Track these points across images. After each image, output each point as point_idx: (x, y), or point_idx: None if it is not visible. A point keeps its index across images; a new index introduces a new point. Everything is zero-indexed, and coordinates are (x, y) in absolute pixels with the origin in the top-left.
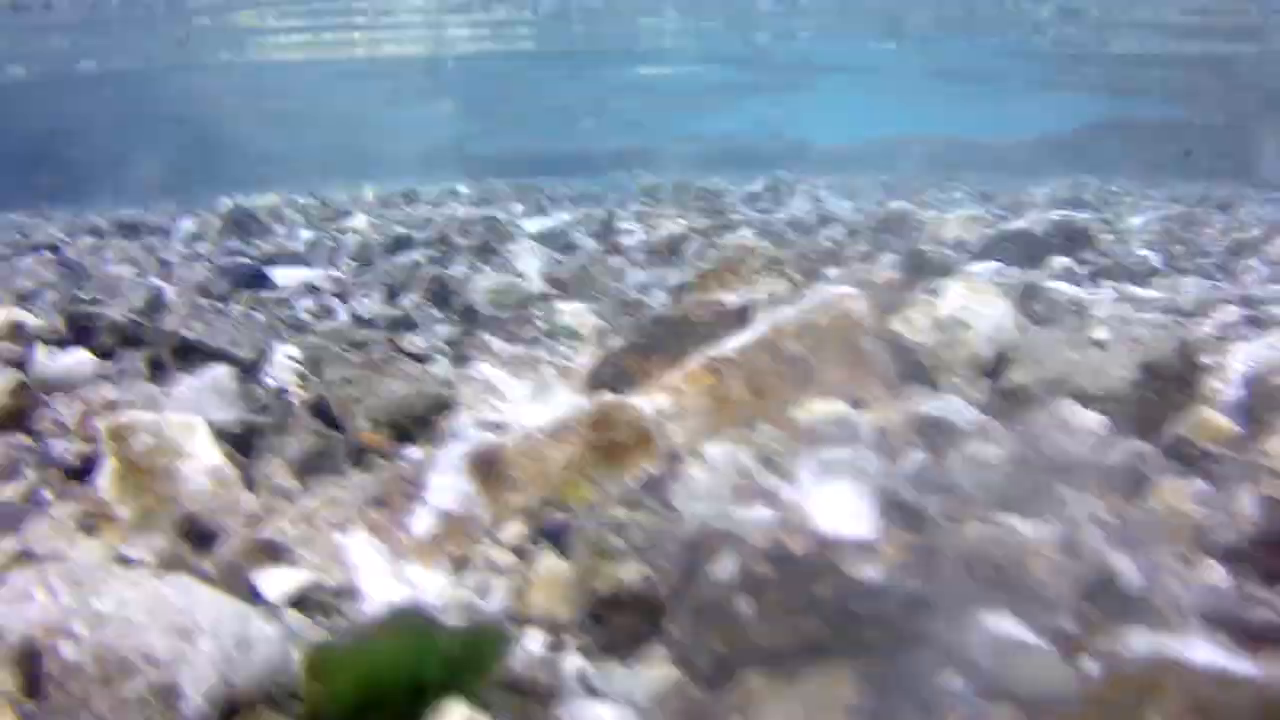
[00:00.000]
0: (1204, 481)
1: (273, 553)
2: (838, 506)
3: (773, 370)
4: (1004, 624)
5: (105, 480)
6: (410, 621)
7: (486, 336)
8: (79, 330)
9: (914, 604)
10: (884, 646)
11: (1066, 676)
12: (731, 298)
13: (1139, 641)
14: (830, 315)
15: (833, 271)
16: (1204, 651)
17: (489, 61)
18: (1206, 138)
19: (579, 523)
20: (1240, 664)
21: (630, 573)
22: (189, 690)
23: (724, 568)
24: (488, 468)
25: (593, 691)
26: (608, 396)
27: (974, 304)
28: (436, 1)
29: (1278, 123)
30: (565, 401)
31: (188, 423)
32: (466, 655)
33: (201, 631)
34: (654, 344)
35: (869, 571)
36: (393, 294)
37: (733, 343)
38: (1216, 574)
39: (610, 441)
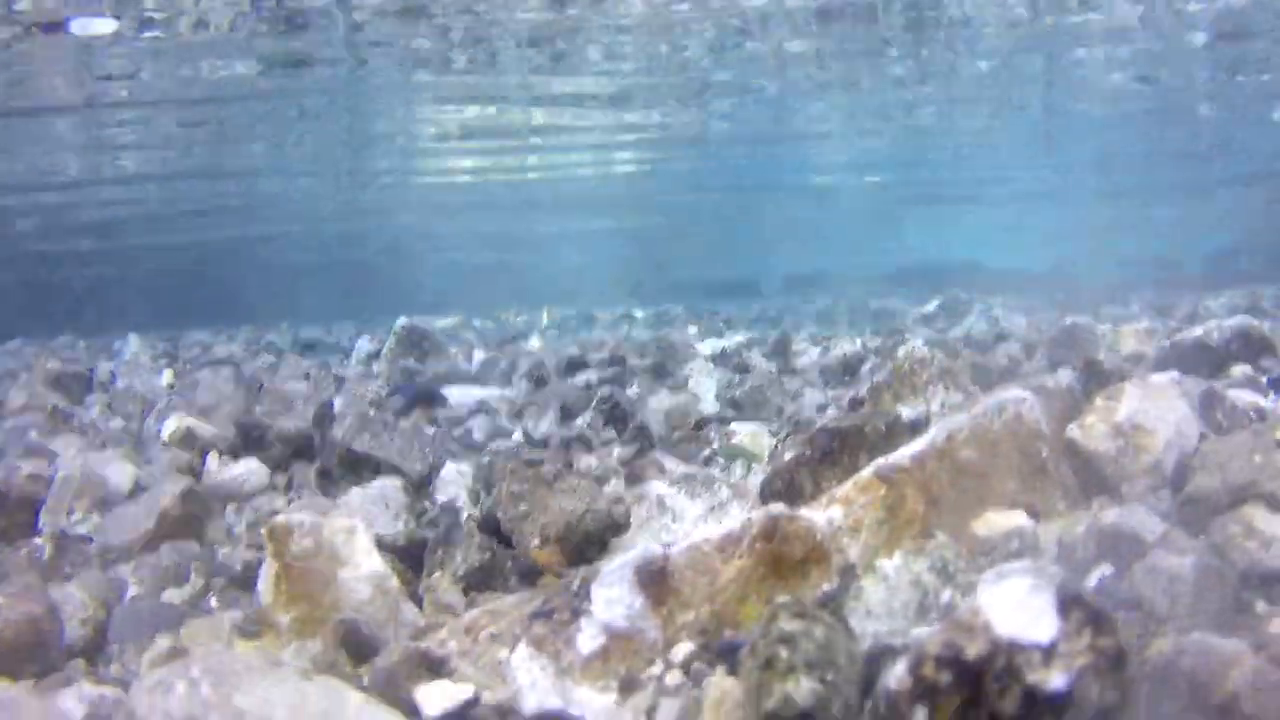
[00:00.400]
0: None
1: (432, 665)
2: (1015, 607)
3: (948, 480)
4: None
5: (265, 584)
6: None
7: (660, 456)
8: (250, 441)
9: (1106, 717)
10: None
11: None
12: (905, 409)
13: None
14: (1003, 421)
15: (1030, 380)
16: None
17: (659, 187)
18: None
19: (748, 638)
20: None
21: (801, 689)
22: None
23: (896, 676)
24: (655, 581)
25: None
26: (776, 507)
27: (1152, 408)
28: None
29: None
30: (735, 516)
31: (348, 526)
32: None
33: None
34: (826, 456)
35: (1055, 679)
36: (566, 414)
37: (905, 451)
38: None
39: (780, 554)
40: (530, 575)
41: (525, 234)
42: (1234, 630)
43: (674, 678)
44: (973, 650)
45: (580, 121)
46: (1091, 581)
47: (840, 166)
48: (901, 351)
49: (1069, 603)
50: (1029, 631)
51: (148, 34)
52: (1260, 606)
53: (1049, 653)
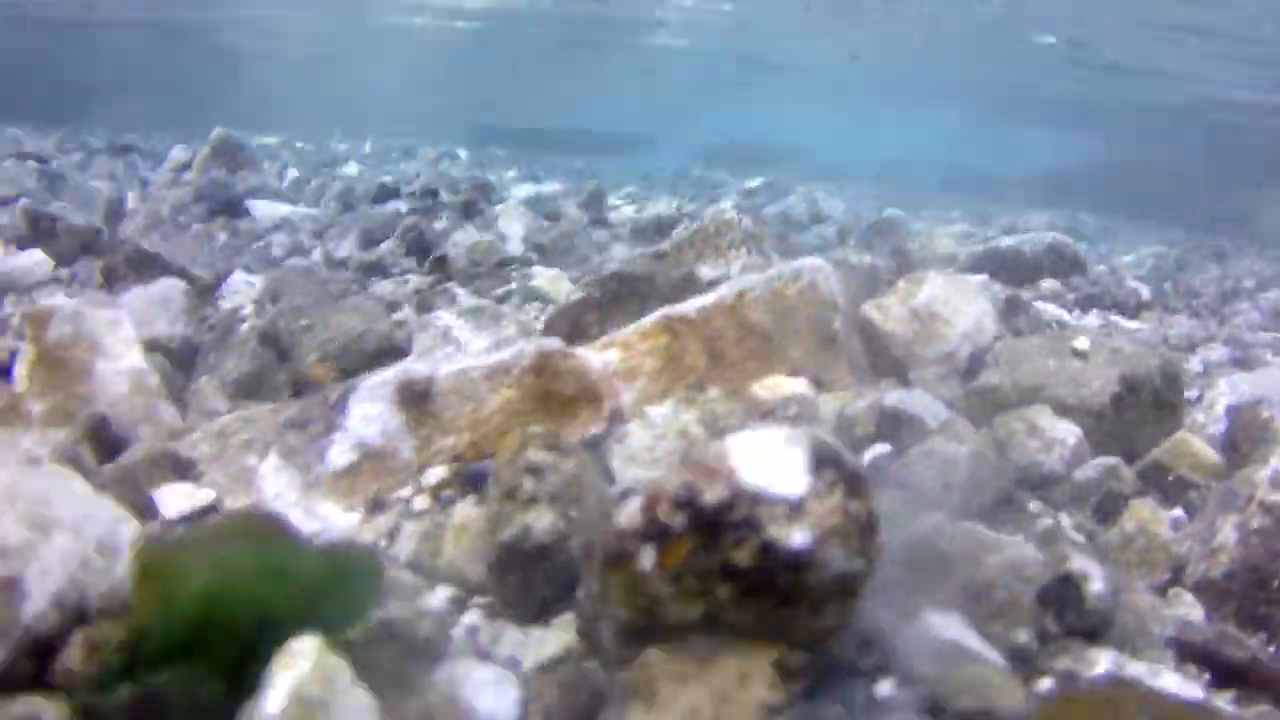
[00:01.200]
0: (1181, 509)
1: (179, 467)
2: (765, 457)
3: (734, 338)
4: (952, 628)
5: (20, 370)
6: (268, 530)
7: (455, 289)
8: (39, 232)
9: (846, 585)
10: (809, 634)
11: (1017, 693)
12: (704, 267)
13: (1105, 663)
14: (798, 288)
15: (833, 253)
16: (1172, 682)
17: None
18: (1209, 188)
19: (497, 465)
20: (1211, 699)
21: (540, 522)
22: (33, 588)
23: (627, 512)
24: (416, 402)
25: (481, 654)
26: (550, 342)
27: (953, 298)
28: None
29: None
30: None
31: (112, 318)
32: (332, 586)
33: (61, 527)
34: (614, 301)
35: (796, 536)
36: (369, 239)
37: (693, 303)
38: (1189, 607)
39: (550, 390)
40: (305, 390)
41: (361, 62)
42: (1002, 524)
43: (422, 501)
44: (712, 495)
45: None
46: (868, 457)
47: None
48: (708, 213)
49: (823, 461)
50: (775, 484)
51: None
52: (1033, 505)
53: (795, 508)
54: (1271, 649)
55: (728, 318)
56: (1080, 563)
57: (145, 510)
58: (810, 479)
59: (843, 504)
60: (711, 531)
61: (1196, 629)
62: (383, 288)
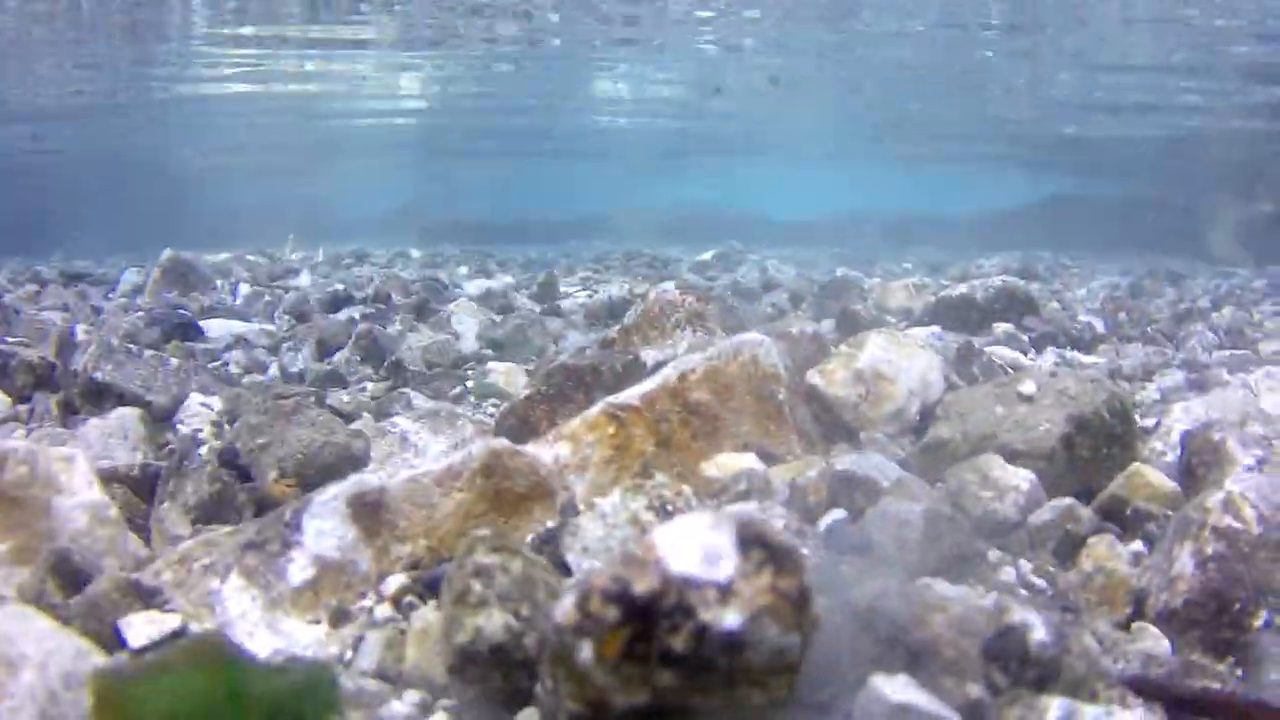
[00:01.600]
0: (1141, 542)
1: (144, 595)
2: (692, 543)
3: (680, 420)
4: (902, 690)
5: None
6: (221, 654)
7: (411, 393)
8: None
9: (784, 660)
10: (756, 710)
11: None
12: (651, 351)
13: (1055, 710)
14: (739, 363)
15: (774, 326)
16: None
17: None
18: (1162, 214)
19: (448, 571)
20: None
21: (492, 623)
22: None
23: (563, 609)
24: (369, 513)
25: None
26: (499, 442)
27: (895, 356)
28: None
29: (1229, 201)
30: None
31: (67, 455)
32: (288, 704)
33: (28, 664)
34: (561, 394)
35: (729, 618)
36: (324, 349)
37: (636, 390)
38: (1154, 640)
39: (502, 489)
40: (267, 508)
41: (309, 170)
42: (963, 577)
43: (384, 610)
44: (642, 585)
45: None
46: (823, 525)
47: (626, 112)
48: (651, 295)
49: (749, 541)
50: (704, 569)
51: None
52: (993, 554)
53: (725, 591)
54: (1239, 673)
55: (671, 400)
56: (1021, 614)
57: (112, 641)
58: (738, 560)
59: (772, 582)
60: (645, 620)
61: (1159, 662)
62: (340, 398)
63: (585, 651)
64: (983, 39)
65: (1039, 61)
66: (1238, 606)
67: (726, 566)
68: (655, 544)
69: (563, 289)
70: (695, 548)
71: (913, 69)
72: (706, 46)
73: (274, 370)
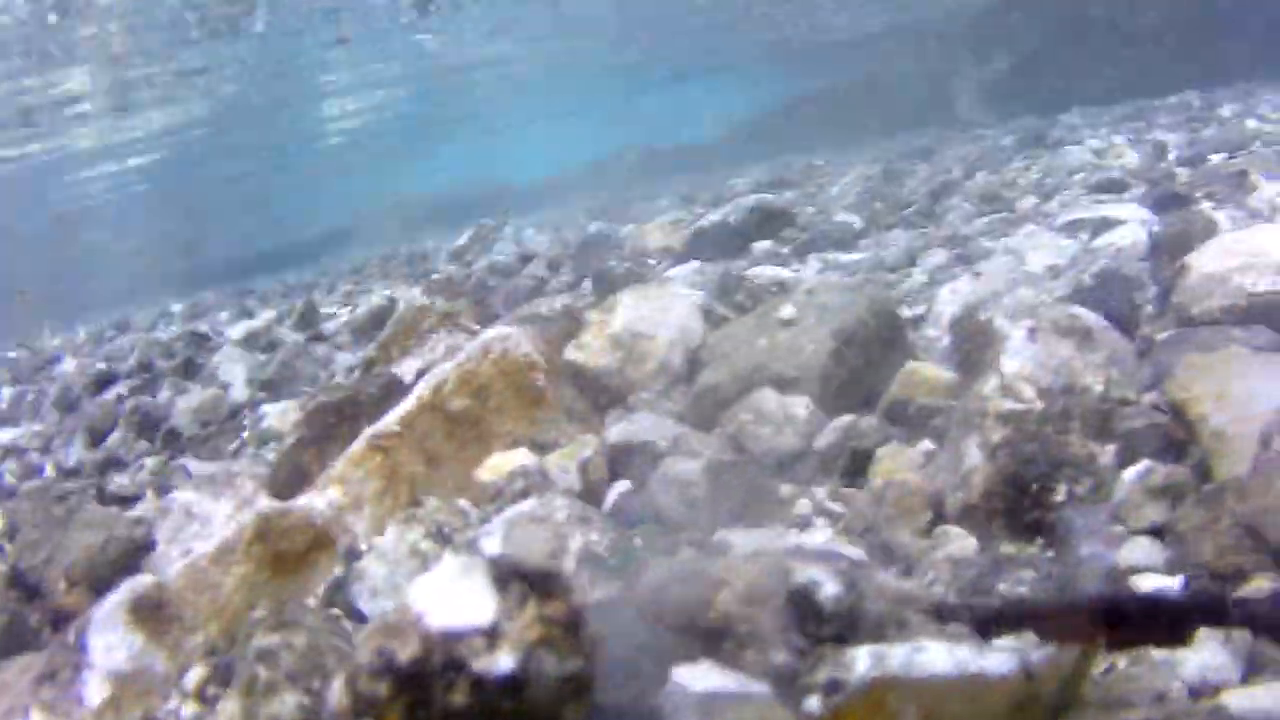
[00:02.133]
0: (929, 441)
1: None
2: (446, 594)
3: (444, 433)
4: (705, 676)
5: None
6: None
7: (188, 460)
8: None
9: (572, 686)
10: None
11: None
12: (412, 361)
13: (864, 660)
14: (491, 361)
15: (524, 310)
16: (938, 654)
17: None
18: (902, 90)
19: (236, 659)
20: (979, 659)
21: (286, 707)
22: None
23: (334, 693)
24: (152, 614)
25: None
26: (264, 505)
27: (649, 311)
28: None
29: (965, 65)
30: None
31: None
32: None
33: None
34: (326, 433)
35: (501, 661)
36: (95, 436)
37: (394, 414)
38: (958, 540)
39: (281, 552)
40: (65, 622)
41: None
42: (760, 521)
43: (190, 709)
44: (406, 652)
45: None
46: (609, 502)
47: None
48: (400, 304)
49: (505, 577)
50: (464, 617)
51: None
52: (785, 490)
53: (491, 635)
54: (1049, 553)
55: (431, 416)
56: (806, 572)
57: None
58: (497, 600)
59: (538, 613)
60: (419, 686)
61: (966, 565)
62: (120, 483)
63: None
64: None
65: None
66: (1036, 487)
67: (486, 610)
68: (411, 605)
69: (327, 310)
70: (450, 598)
71: None
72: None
73: (49, 470)
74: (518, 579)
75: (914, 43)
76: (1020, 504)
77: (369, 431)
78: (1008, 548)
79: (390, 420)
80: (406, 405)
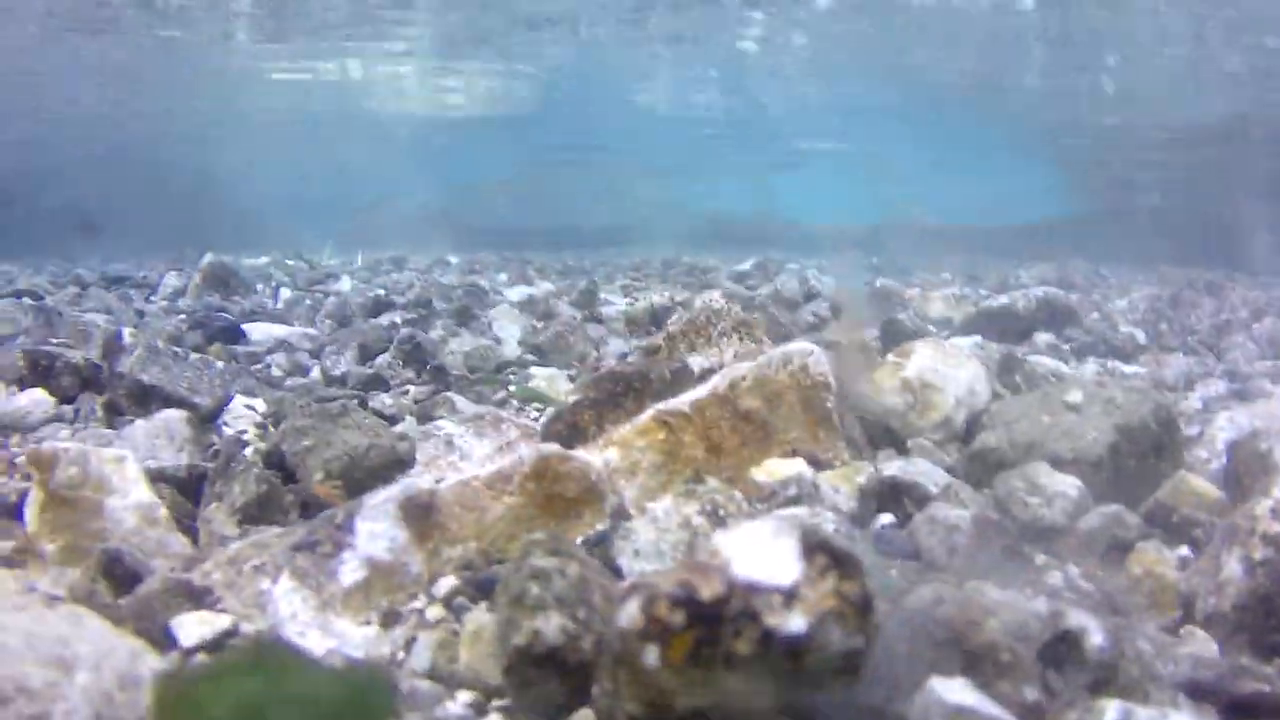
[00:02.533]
0: (1187, 547)
1: (194, 596)
2: (756, 549)
3: (730, 427)
4: (959, 692)
5: (31, 512)
6: (280, 656)
7: (455, 397)
8: (39, 371)
9: (847, 662)
10: (820, 713)
11: None
12: (697, 358)
13: (1112, 713)
14: (788, 371)
15: (819, 336)
16: None
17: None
18: (1199, 224)
19: (504, 573)
20: None
21: (549, 625)
22: None
23: (628, 613)
24: (420, 516)
25: None
26: (549, 447)
27: (943, 365)
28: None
29: (1265, 210)
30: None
31: (117, 455)
32: (346, 706)
33: (82, 665)
34: (610, 400)
35: (794, 622)
36: (366, 353)
37: (687, 397)
38: (1202, 643)
39: (552, 494)
40: (313, 510)
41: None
42: (1010, 582)
43: (435, 612)
44: (708, 591)
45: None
46: (873, 529)
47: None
48: (697, 303)
49: (813, 547)
50: (769, 574)
51: None
52: (1040, 559)
53: (789, 596)
54: None
55: (721, 407)
56: (1078, 618)
57: (164, 641)
58: (802, 566)
59: (836, 587)
60: (711, 625)
61: (1207, 665)
62: (382, 401)
63: (650, 655)
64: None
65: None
66: None
67: (791, 572)
68: (720, 550)
69: (603, 296)
70: (760, 554)
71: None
72: (747, 45)
73: (316, 373)
74: (823, 552)
75: (1218, 178)
76: (1268, 622)
77: (658, 406)
78: (1248, 661)
79: (681, 401)
80: (699, 392)
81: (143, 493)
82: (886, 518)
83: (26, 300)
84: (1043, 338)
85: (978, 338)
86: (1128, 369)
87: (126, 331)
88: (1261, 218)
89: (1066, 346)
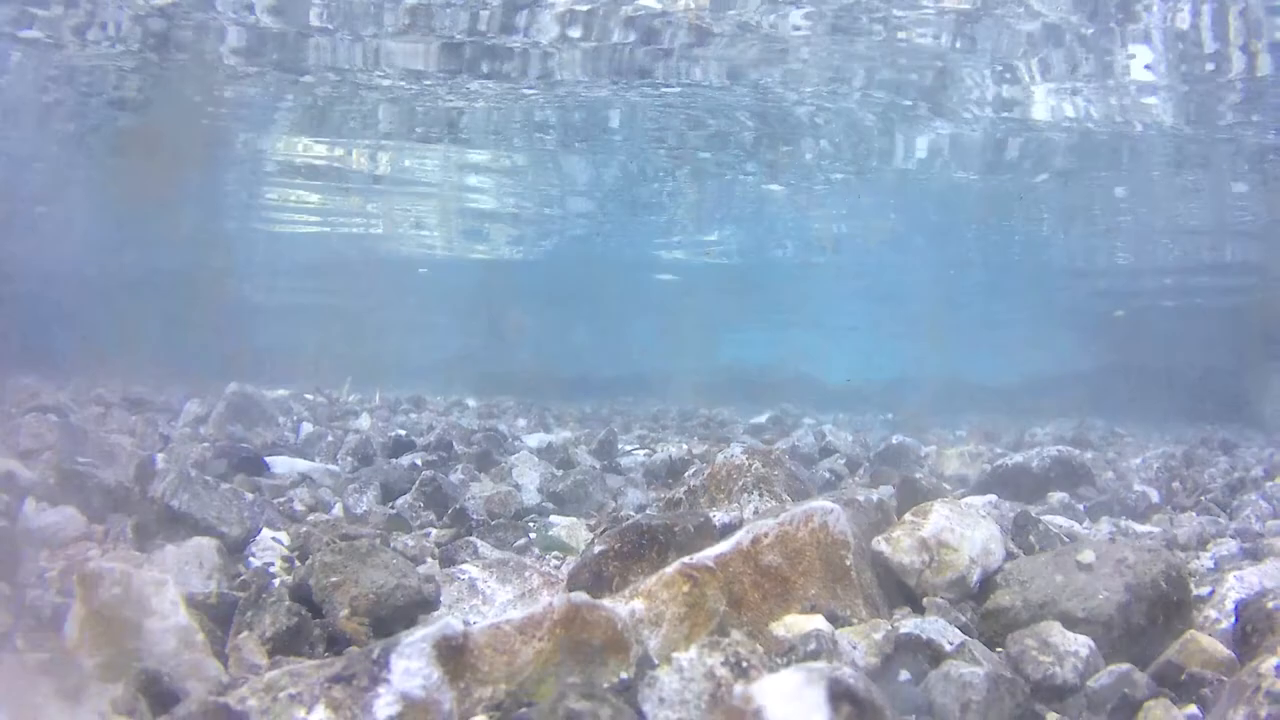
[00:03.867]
0: (1195, 706)
1: (230, 719)
2: (787, 697)
3: (751, 581)
4: None
5: (72, 627)
6: None
7: (476, 541)
8: (70, 489)
9: None
10: None
11: None
12: (718, 513)
13: None
14: (810, 529)
15: (837, 494)
16: None
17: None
18: (1214, 383)
19: (537, 714)
20: None
21: None
22: None
23: None
24: (453, 656)
25: None
26: (578, 595)
27: (959, 526)
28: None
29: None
30: (540, 601)
31: (158, 579)
32: None
33: None
34: (635, 551)
35: None
36: (388, 493)
37: (710, 551)
38: None
39: (580, 641)
40: (337, 644)
41: (367, 313)
42: None
43: None
44: None
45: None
46: (889, 686)
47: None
48: (720, 458)
49: (839, 695)
50: (799, 718)
51: None
52: (1051, 717)
53: None
54: None
55: (744, 562)
56: None
57: None
58: (829, 713)
59: None
60: None
61: None
62: (404, 541)
63: None
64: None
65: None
66: None
67: (819, 718)
68: (753, 696)
69: (620, 446)
70: (790, 700)
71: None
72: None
73: (338, 510)
74: (849, 700)
75: (1231, 336)
76: None
77: (683, 560)
78: None
79: (706, 555)
80: (723, 546)
81: (181, 616)
82: (903, 674)
83: (52, 417)
84: (1056, 496)
85: (993, 496)
86: (1140, 528)
87: (159, 457)
88: (1276, 378)
89: (1080, 506)
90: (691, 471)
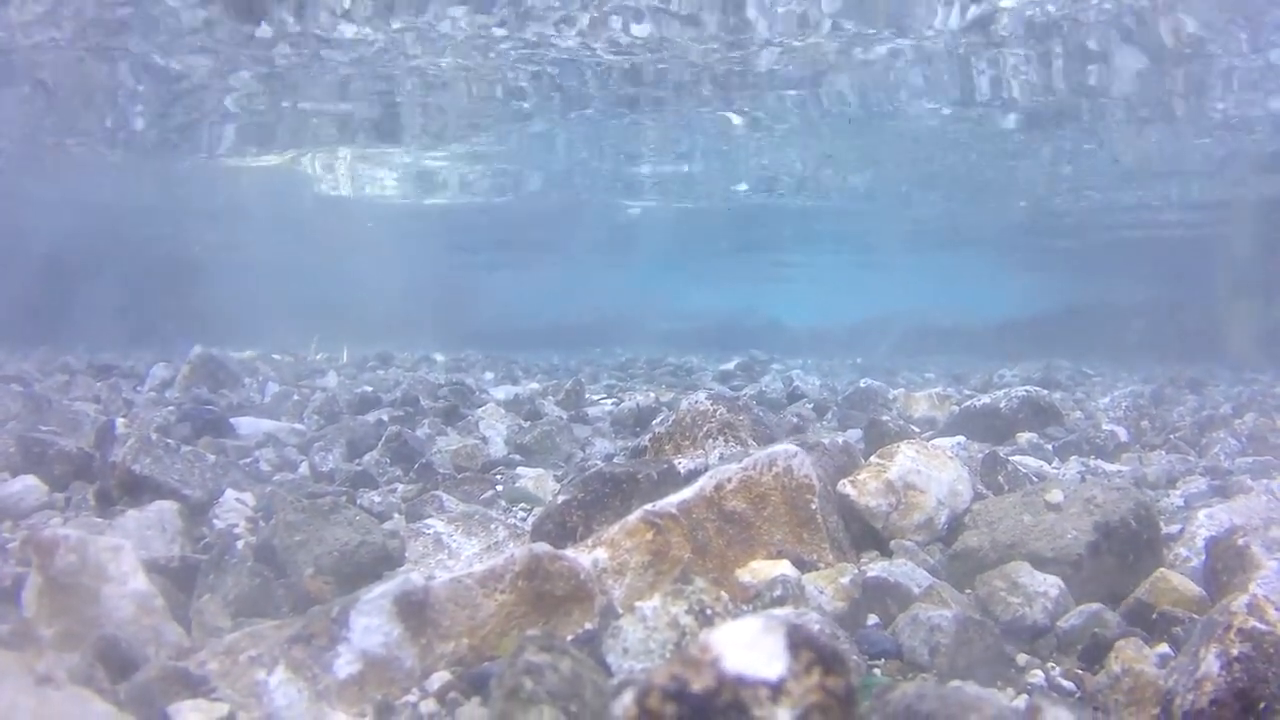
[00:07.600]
0: (1167, 645)
1: (191, 684)
2: (745, 644)
3: (715, 528)
4: None
5: (29, 596)
6: None
7: (442, 495)
8: (31, 458)
9: None
10: None
11: None
12: (683, 460)
13: None
14: (774, 474)
15: (802, 438)
16: None
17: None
18: (1182, 319)
19: (498, 668)
20: None
21: (544, 718)
22: None
23: (622, 705)
24: (414, 611)
25: None
26: (540, 546)
27: (925, 467)
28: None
29: (1249, 304)
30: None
31: (114, 544)
32: None
33: None
34: (598, 500)
35: (780, 715)
36: (354, 450)
37: (673, 498)
38: None
39: (543, 592)
40: (303, 604)
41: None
42: (992, 681)
43: (429, 706)
44: (699, 684)
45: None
46: (858, 630)
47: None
48: (684, 404)
49: (799, 643)
50: (757, 668)
51: None
52: (1021, 658)
53: (776, 689)
54: None
55: (708, 509)
56: (1056, 714)
57: None
58: (789, 661)
59: (820, 681)
60: (701, 717)
61: None
62: (371, 498)
63: None
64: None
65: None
66: (1263, 705)
67: (778, 666)
68: (711, 644)
69: (588, 396)
70: (748, 649)
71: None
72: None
73: (304, 469)
74: (809, 648)
75: (1200, 272)
76: (1245, 718)
77: (646, 508)
78: None
79: (669, 502)
80: (686, 493)
81: (139, 582)
82: (871, 618)
83: (15, 387)
84: (1025, 436)
85: (961, 437)
86: (1110, 467)
87: (119, 422)
88: (1244, 315)
89: (1049, 446)
90: (658, 420)
